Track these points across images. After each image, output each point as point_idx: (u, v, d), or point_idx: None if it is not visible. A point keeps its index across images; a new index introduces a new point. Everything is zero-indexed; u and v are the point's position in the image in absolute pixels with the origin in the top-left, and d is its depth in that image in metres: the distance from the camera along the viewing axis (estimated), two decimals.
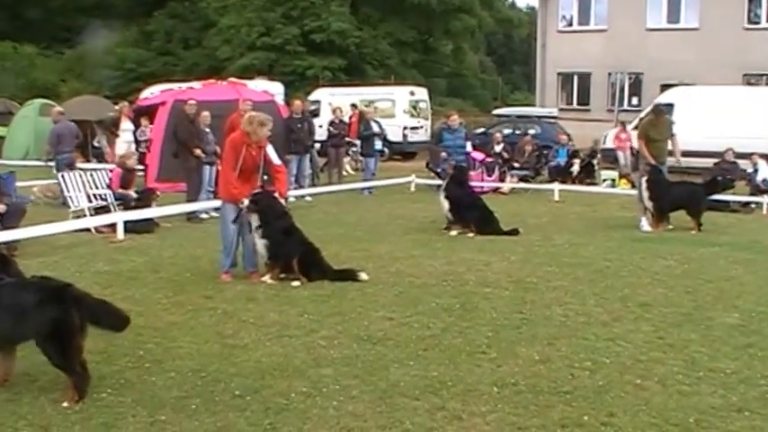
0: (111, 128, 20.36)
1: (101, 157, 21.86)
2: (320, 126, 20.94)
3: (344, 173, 22.70)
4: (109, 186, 14.64)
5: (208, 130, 15.28)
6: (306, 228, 10.10)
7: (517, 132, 26.98)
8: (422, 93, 33.04)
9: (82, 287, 6.14)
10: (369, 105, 26.55)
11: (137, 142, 19.50)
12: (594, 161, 22.97)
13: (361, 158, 22.56)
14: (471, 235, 12.98)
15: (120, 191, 14.44)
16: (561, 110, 33.92)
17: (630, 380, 6.09)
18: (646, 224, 13.94)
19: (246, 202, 9.32)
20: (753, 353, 6.79)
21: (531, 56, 45.59)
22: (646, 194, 13.88)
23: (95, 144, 23.09)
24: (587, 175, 22.24)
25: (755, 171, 18.60)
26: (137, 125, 19.97)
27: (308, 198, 17.67)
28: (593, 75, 35.94)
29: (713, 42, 32.02)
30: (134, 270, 10.14)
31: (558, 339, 7.12)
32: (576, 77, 37.07)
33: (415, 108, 32.00)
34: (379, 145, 21.74)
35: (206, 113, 15.36)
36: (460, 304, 8.34)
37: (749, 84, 31.78)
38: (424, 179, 20.55)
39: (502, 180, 20.49)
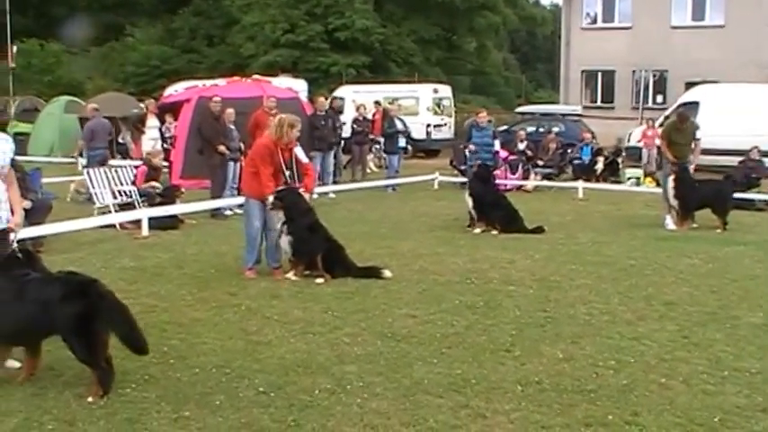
0: (138, 124, 20.44)
1: (125, 154, 21.97)
2: (344, 123, 20.98)
3: (368, 170, 22.72)
4: (133, 183, 14.72)
5: (232, 126, 15.35)
6: (330, 225, 10.14)
7: (541, 130, 26.81)
8: (445, 90, 33.02)
9: (107, 283, 6.19)
10: (392, 103, 26.54)
11: (163, 139, 19.59)
12: (619, 159, 22.84)
13: (384, 156, 22.56)
14: (495, 233, 12.97)
15: (144, 186, 14.53)
16: (585, 108, 33.59)
17: (655, 379, 6.06)
18: (670, 222, 13.84)
19: (271, 198, 9.35)
20: None
21: (554, 53, 45.28)
22: (672, 192, 13.79)
23: (120, 141, 23.19)
24: (611, 173, 22.12)
25: None
26: (161, 122, 20.05)
27: (332, 195, 17.69)
28: (618, 72, 35.63)
29: (738, 40, 31.65)
30: (159, 266, 10.20)
31: (582, 338, 7.10)
32: (600, 75, 36.79)
33: (438, 106, 31.95)
34: (402, 142, 21.74)
35: (230, 110, 15.43)
36: (484, 302, 8.33)
37: None
38: (447, 176, 20.56)
39: (525, 178, 20.44)
